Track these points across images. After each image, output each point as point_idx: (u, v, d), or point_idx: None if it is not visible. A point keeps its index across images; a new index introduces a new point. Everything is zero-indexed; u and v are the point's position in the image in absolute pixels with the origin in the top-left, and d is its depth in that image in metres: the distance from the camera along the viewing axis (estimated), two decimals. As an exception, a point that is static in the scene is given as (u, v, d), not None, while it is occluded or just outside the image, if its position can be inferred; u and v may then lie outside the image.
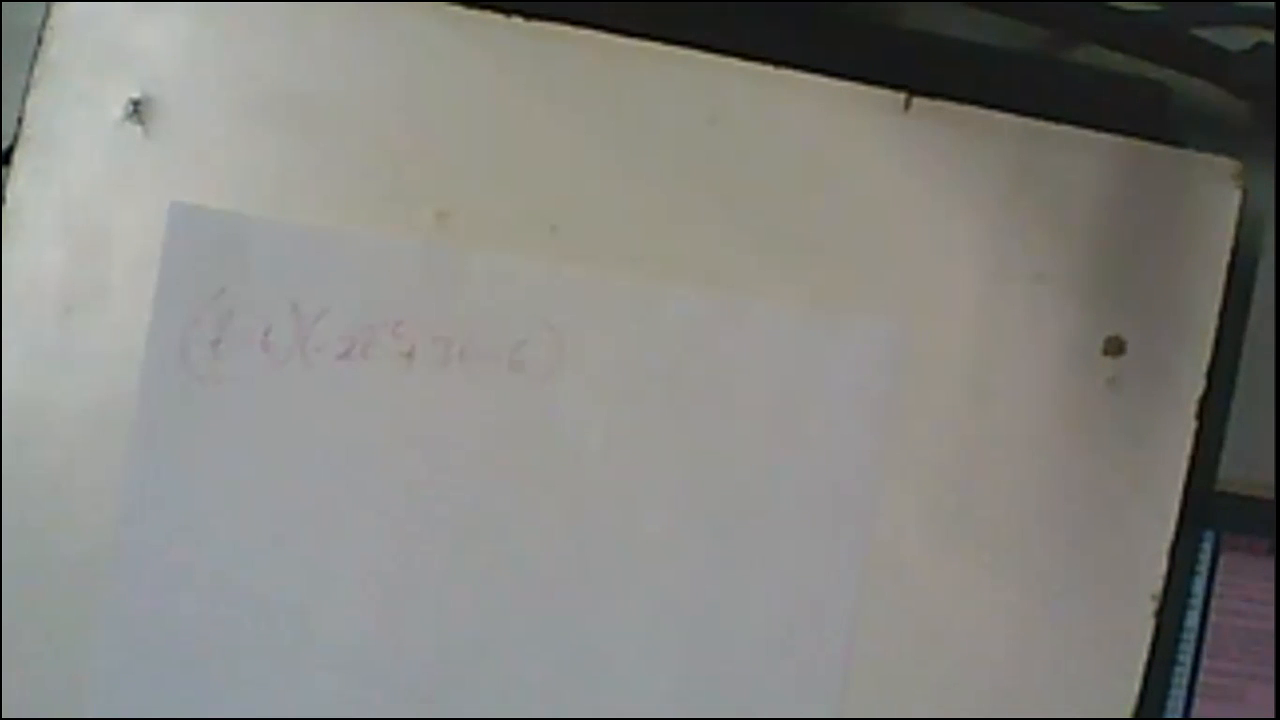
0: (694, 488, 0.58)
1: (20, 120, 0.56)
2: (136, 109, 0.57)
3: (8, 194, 0.56)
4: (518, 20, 0.58)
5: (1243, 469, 0.65)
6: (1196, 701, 0.64)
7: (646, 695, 0.58)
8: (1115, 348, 0.61)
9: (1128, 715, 0.60)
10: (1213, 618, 0.65)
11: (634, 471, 0.58)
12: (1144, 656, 0.60)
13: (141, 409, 0.56)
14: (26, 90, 0.56)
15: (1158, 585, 0.60)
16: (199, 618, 0.56)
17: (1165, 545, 0.60)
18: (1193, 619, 0.65)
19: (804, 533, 0.59)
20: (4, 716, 0.53)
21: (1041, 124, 0.61)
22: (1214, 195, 0.61)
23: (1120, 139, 0.61)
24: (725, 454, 0.58)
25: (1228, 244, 0.61)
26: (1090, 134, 0.61)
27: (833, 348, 0.59)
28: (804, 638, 0.59)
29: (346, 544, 0.57)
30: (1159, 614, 0.60)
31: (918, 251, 0.60)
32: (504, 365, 0.58)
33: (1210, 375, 0.61)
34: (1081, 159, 0.61)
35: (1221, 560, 0.65)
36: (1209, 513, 0.64)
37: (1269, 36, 0.63)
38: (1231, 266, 0.61)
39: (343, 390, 0.57)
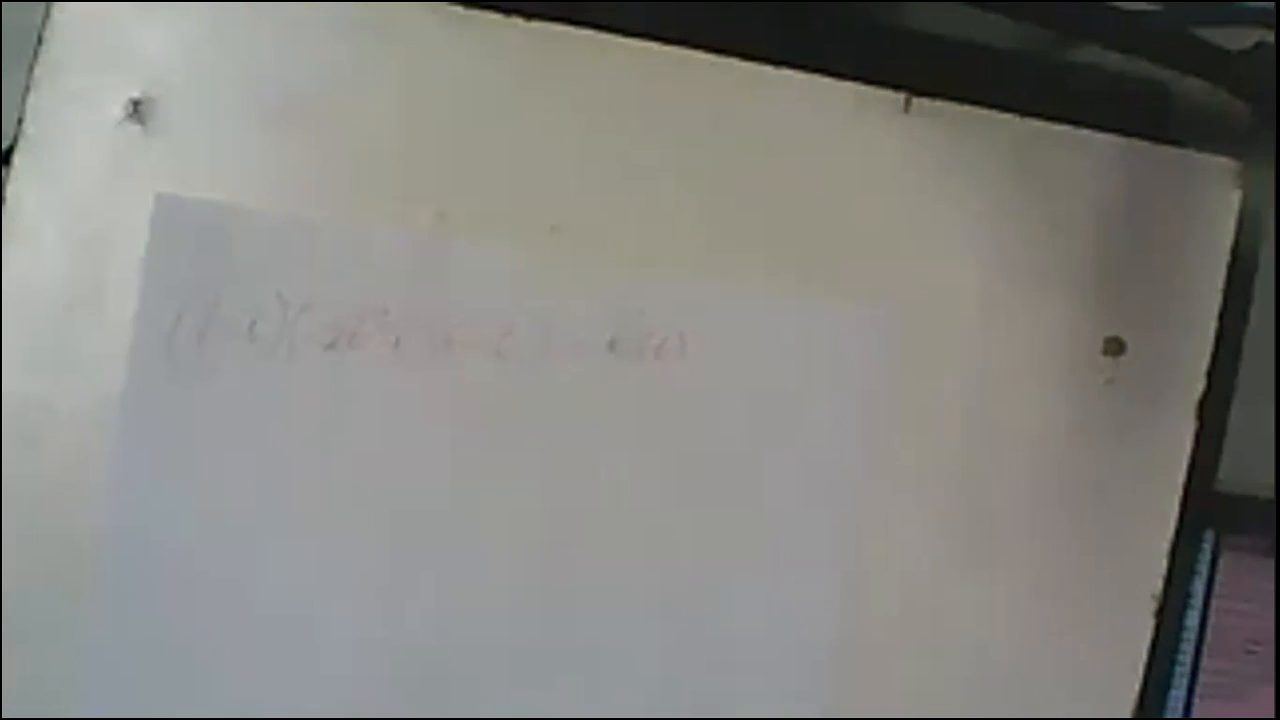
0: (680, 475, 0.59)
1: (20, 120, 0.56)
2: (136, 109, 0.57)
3: (8, 194, 0.56)
4: (517, 20, 0.58)
5: (1243, 469, 0.65)
6: (1196, 701, 0.64)
7: (638, 691, 0.59)
8: (1115, 348, 0.61)
9: (1128, 715, 0.60)
10: (1213, 618, 0.65)
11: (620, 460, 0.58)
12: (1144, 656, 0.60)
13: (128, 400, 0.56)
14: (26, 90, 0.56)
15: (1158, 585, 0.60)
16: (187, 607, 0.56)
17: (1165, 545, 0.60)
18: (1193, 619, 0.65)
19: (792, 524, 0.59)
20: (4, 715, 0.53)
21: (1041, 124, 0.61)
22: (1214, 195, 0.61)
23: (1120, 139, 0.61)
24: (711, 439, 0.59)
25: (1227, 244, 0.61)
26: (1090, 134, 0.61)
27: (820, 334, 0.59)
28: (792, 632, 0.59)
29: (334, 531, 0.57)
30: (1159, 614, 0.60)
31: (918, 251, 0.60)
32: (489, 353, 0.58)
33: (1210, 375, 0.61)
34: (1081, 159, 0.61)
35: (1221, 560, 0.65)
36: (1209, 513, 0.64)
37: (1269, 36, 0.63)
38: (1231, 266, 0.61)
39: (329, 380, 0.57)
